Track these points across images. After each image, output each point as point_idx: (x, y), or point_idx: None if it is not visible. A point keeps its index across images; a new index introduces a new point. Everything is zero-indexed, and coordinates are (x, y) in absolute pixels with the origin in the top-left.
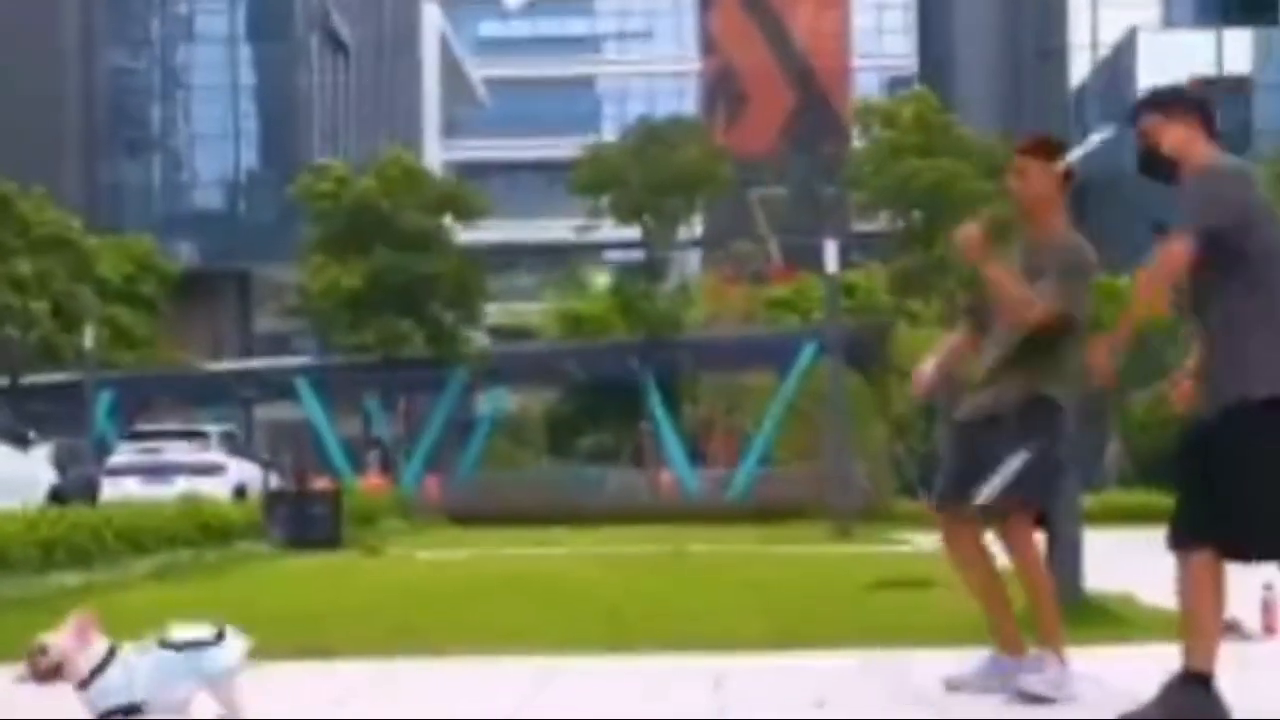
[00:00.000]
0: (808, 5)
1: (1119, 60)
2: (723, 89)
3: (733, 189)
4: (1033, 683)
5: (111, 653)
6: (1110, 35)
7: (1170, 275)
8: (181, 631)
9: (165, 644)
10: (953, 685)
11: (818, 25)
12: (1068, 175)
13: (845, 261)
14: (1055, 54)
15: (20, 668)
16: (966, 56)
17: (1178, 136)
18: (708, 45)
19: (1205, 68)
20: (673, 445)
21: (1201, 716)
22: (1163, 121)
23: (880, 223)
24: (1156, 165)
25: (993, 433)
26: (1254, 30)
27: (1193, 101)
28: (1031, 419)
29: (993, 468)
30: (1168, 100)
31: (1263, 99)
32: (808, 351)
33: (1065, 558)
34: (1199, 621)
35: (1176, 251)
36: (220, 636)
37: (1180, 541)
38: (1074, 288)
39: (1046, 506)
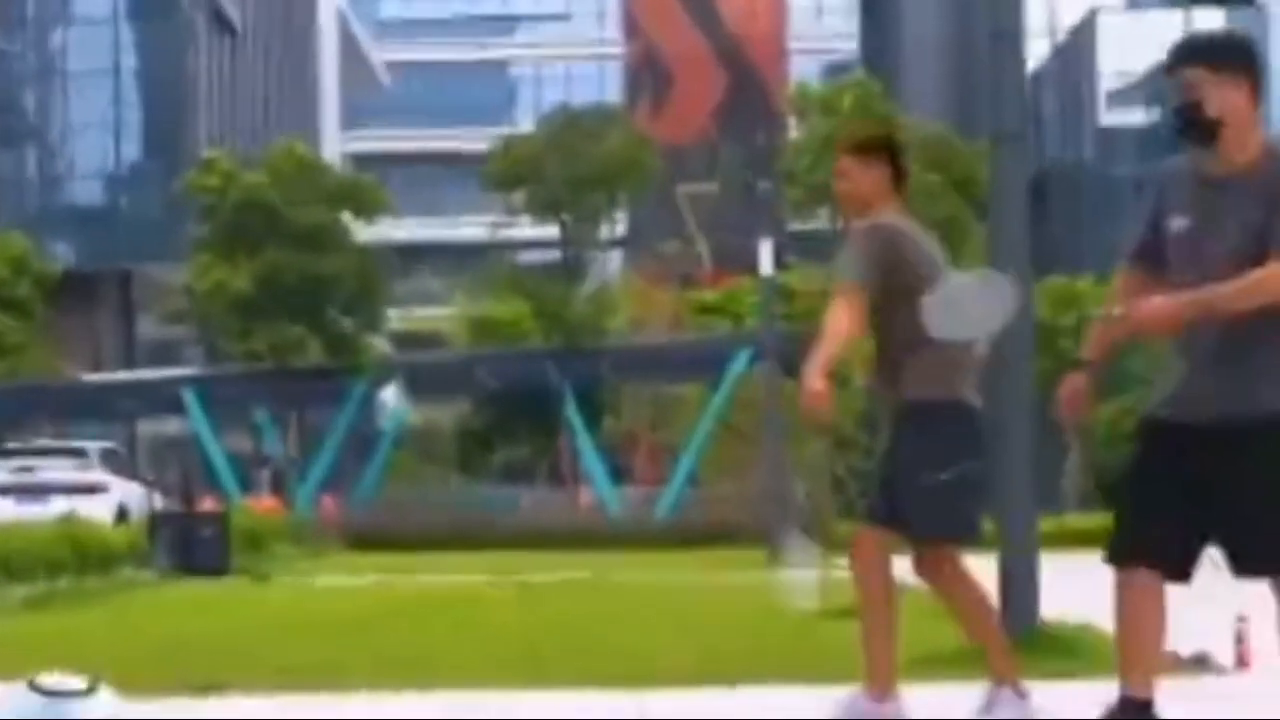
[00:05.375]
0: None
1: (1078, 44)
2: (647, 74)
3: (659, 184)
4: None
5: None
6: (1069, 17)
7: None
8: (51, 679)
9: (32, 687)
10: None
11: (751, 4)
12: (899, 172)
13: (781, 263)
14: (1008, 37)
15: None
16: (912, 40)
17: (1230, 102)
18: (630, 26)
19: None
20: (593, 462)
21: None
22: (1210, 79)
23: (819, 221)
24: (1198, 127)
25: (898, 446)
26: (1228, 11)
27: (1248, 59)
28: (935, 428)
29: (903, 490)
30: (1219, 53)
31: None
32: (740, 360)
33: (1019, 586)
34: (1139, 644)
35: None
36: (92, 690)
37: (1125, 557)
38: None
39: (969, 530)
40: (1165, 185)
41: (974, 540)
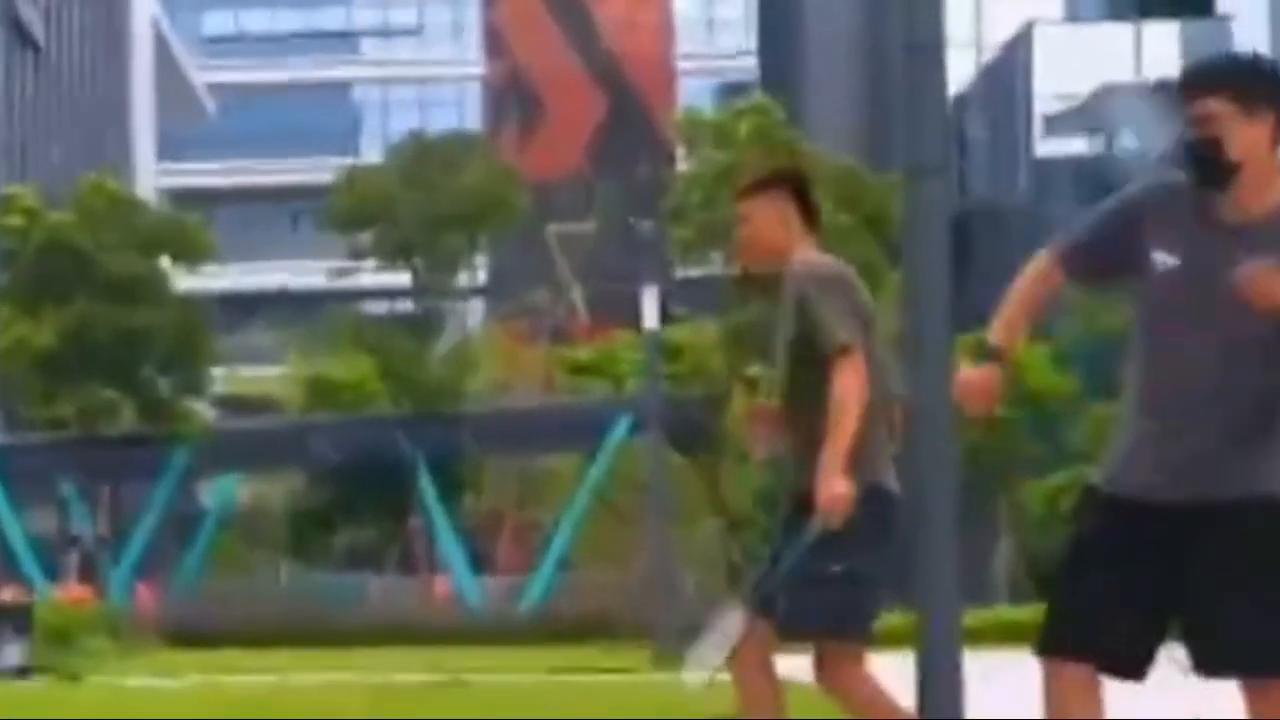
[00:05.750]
0: None
1: (1010, 61)
2: (512, 97)
3: (526, 223)
4: None
5: None
6: (999, 31)
7: None
8: None
9: None
10: None
11: (633, 17)
12: (809, 207)
13: (667, 315)
14: (927, 51)
15: None
16: (818, 58)
17: (1253, 144)
18: (493, 43)
19: (1121, 69)
20: (450, 546)
21: None
22: (1234, 114)
23: (712, 265)
24: (1213, 168)
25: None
26: (1182, 23)
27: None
28: (859, 519)
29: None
30: (1250, 84)
31: None
32: (620, 427)
33: (941, 687)
34: None
35: None
36: None
37: (1056, 647)
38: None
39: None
40: (1146, 212)
41: (859, 640)
